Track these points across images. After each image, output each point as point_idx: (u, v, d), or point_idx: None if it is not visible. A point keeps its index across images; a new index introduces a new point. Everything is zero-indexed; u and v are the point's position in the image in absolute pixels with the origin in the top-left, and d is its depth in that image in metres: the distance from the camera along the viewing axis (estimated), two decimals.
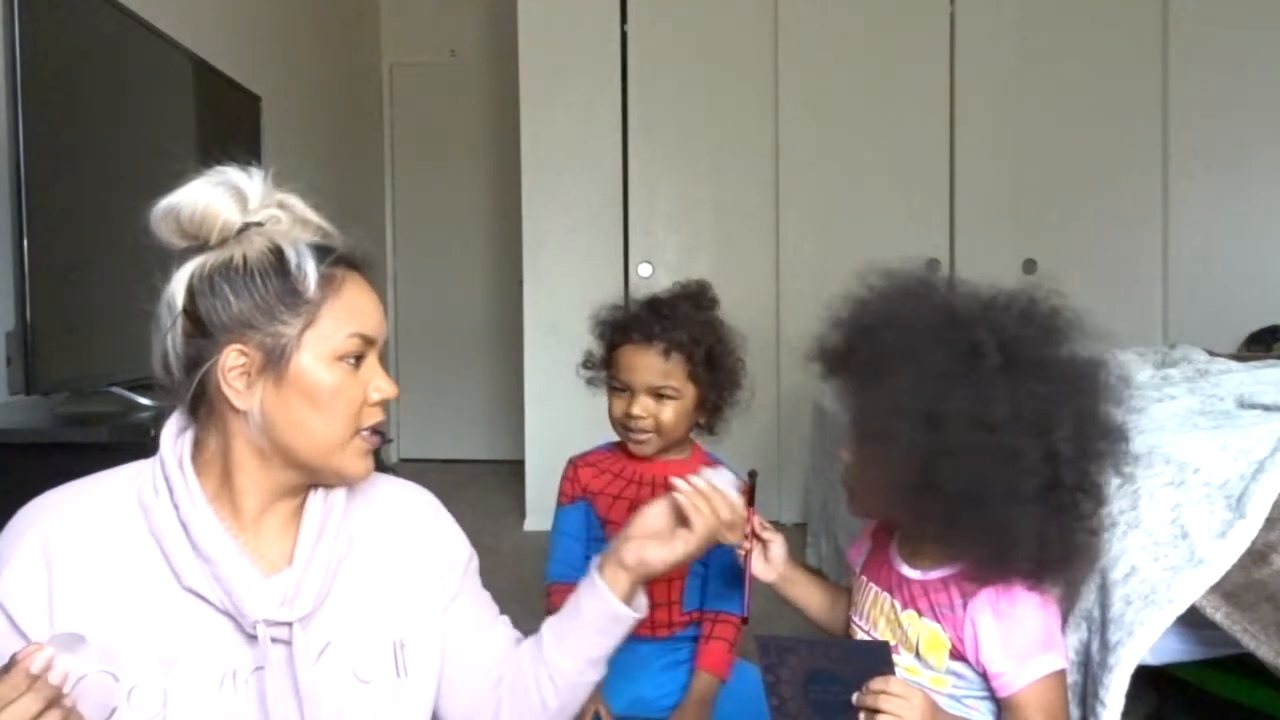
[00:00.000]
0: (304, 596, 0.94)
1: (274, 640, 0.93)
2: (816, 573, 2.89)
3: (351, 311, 0.96)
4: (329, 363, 0.94)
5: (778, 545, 1.32)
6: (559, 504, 1.62)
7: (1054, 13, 3.78)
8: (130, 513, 0.94)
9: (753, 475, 1.34)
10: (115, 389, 1.88)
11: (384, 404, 0.99)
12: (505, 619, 1.16)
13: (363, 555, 1.02)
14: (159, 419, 1.01)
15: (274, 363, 0.92)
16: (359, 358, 0.96)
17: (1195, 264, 3.80)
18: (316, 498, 1.00)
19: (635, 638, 1.57)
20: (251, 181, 0.97)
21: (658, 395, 1.51)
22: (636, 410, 1.50)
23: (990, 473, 1.01)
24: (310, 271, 0.93)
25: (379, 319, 0.99)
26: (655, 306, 1.52)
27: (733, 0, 3.82)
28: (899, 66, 3.79)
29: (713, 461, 1.62)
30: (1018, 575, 1.06)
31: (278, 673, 0.93)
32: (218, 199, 0.95)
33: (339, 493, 1.01)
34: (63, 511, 0.94)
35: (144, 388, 1.92)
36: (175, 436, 0.99)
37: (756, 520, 1.30)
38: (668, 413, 1.51)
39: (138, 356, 2.07)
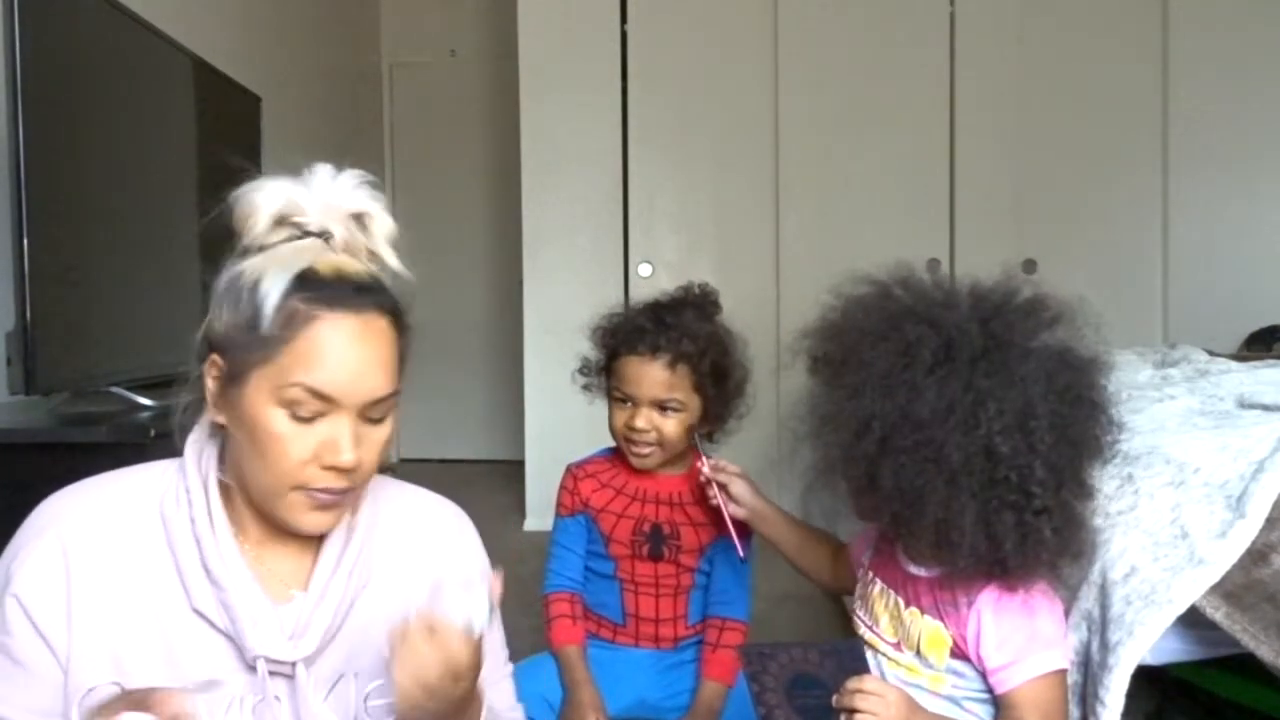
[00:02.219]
0: (311, 634, 0.91)
1: (274, 675, 0.90)
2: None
3: (309, 359, 0.85)
4: (272, 406, 0.85)
5: (738, 483, 1.38)
6: (558, 514, 1.60)
7: (1054, 13, 3.78)
8: (152, 521, 0.91)
9: (690, 431, 1.43)
10: (115, 389, 1.88)
11: (340, 471, 0.87)
12: (507, 678, 1.08)
13: (383, 583, 0.97)
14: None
15: (231, 387, 0.88)
16: (319, 414, 0.86)
17: (1195, 264, 3.80)
18: (340, 524, 0.95)
19: (638, 647, 1.56)
20: (324, 188, 0.89)
21: (661, 408, 1.46)
22: (640, 423, 1.46)
23: (922, 471, 1.01)
24: (269, 301, 0.84)
25: (351, 378, 0.86)
26: (659, 315, 1.47)
27: (733, 1, 3.82)
28: (899, 66, 3.79)
29: (706, 459, 1.61)
30: (979, 574, 1.05)
31: (280, 708, 0.90)
32: (263, 202, 0.89)
33: (363, 518, 0.96)
34: (84, 515, 0.91)
35: (144, 388, 1.92)
36: (203, 443, 0.94)
37: (708, 463, 1.37)
38: (671, 425, 1.47)
39: (138, 356, 2.08)
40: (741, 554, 1.48)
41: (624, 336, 1.48)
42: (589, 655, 1.55)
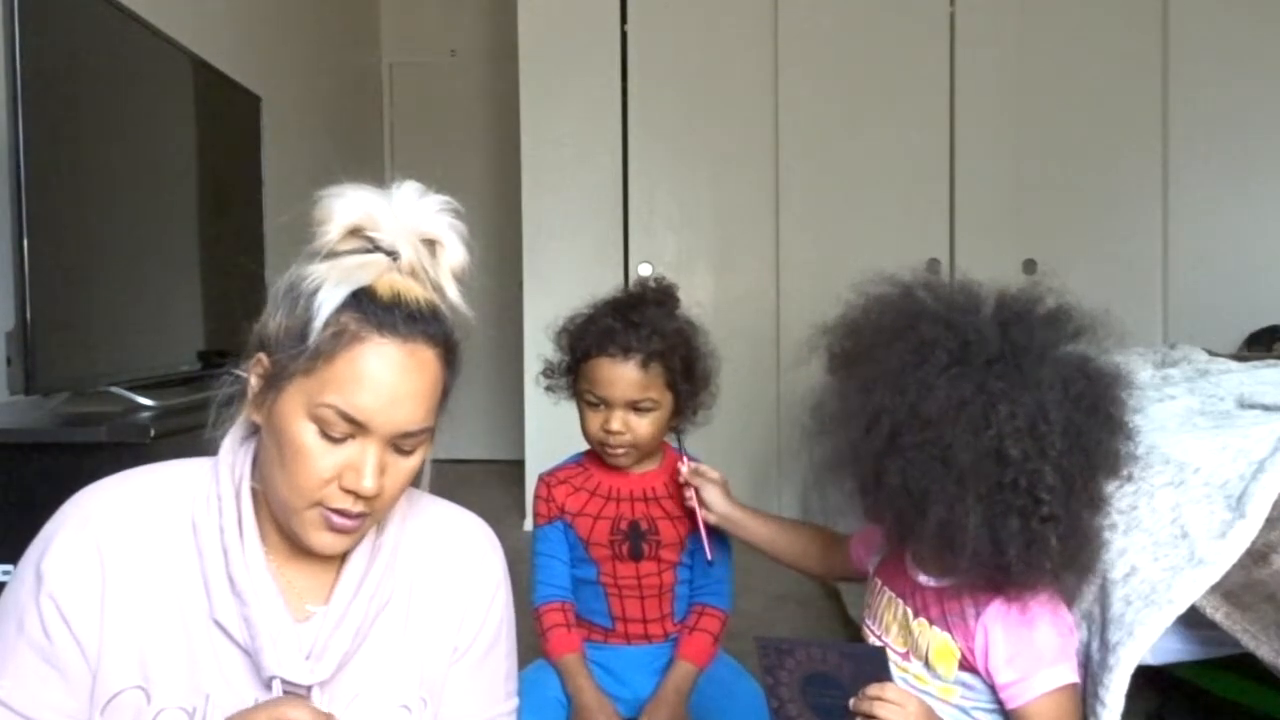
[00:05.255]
0: (329, 657, 0.89)
1: (289, 695, 0.88)
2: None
3: (346, 381, 0.83)
4: (304, 419, 0.84)
5: (710, 490, 1.43)
6: (536, 523, 1.59)
7: (1054, 13, 3.78)
8: (182, 523, 0.90)
9: (678, 433, 1.48)
10: (115, 389, 1.88)
11: (358, 496, 0.86)
12: (507, 716, 1.05)
13: (403, 601, 0.96)
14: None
15: (270, 390, 0.87)
16: (348, 435, 0.85)
17: (1195, 264, 3.80)
18: (366, 539, 0.94)
19: (630, 645, 1.56)
20: (404, 207, 0.88)
21: (635, 408, 1.45)
22: (616, 425, 1.45)
23: (929, 469, 0.99)
24: (321, 314, 0.83)
25: (384, 407, 0.84)
26: (625, 314, 1.45)
27: (733, 0, 3.82)
28: (899, 66, 3.79)
29: (687, 460, 1.60)
30: (982, 579, 1.03)
31: None
32: (340, 209, 0.87)
33: (388, 538, 0.95)
34: (118, 512, 0.89)
35: (144, 388, 1.92)
36: (239, 445, 0.92)
37: (688, 465, 1.43)
38: (646, 425, 1.46)
39: (138, 356, 2.08)
40: (710, 556, 1.49)
41: (593, 339, 1.45)
42: (592, 665, 1.55)
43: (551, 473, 1.60)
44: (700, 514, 1.45)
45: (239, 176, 2.61)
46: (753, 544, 1.46)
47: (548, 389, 1.55)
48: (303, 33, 3.95)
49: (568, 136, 3.83)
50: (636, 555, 1.52)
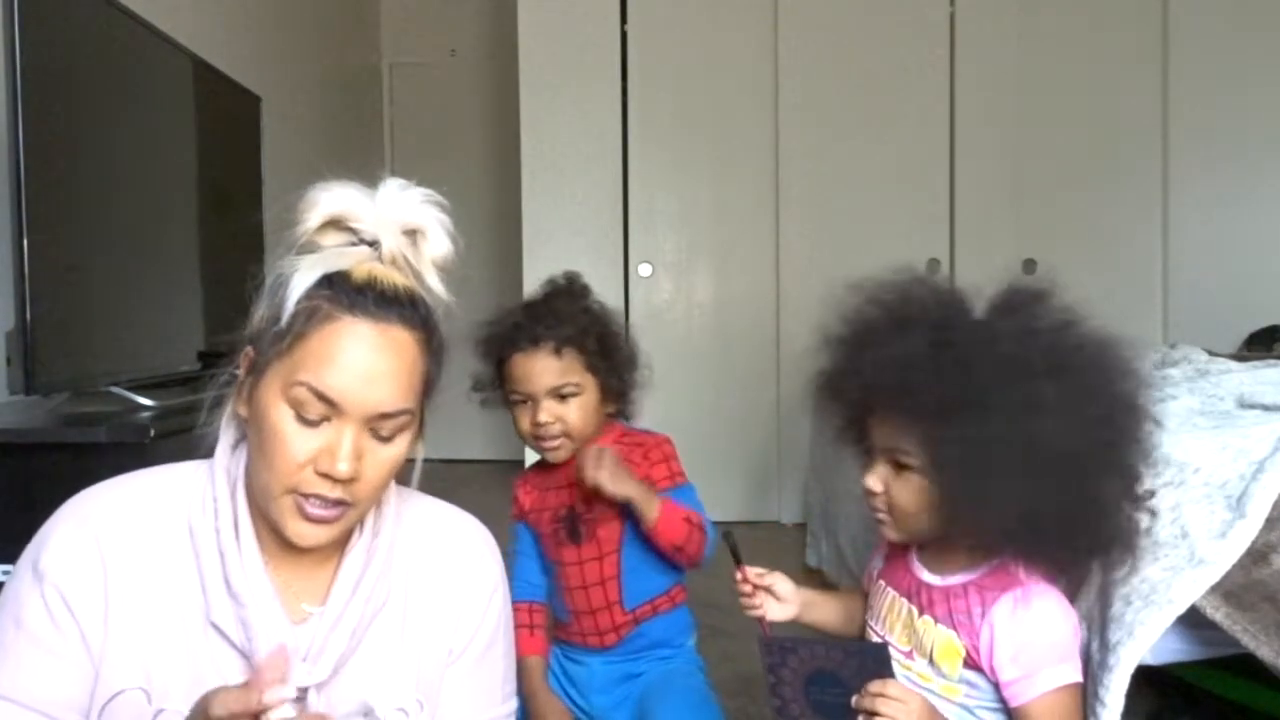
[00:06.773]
0: (325, 659, 0.89)
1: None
2: (817, 573, 2.90)
3: (319, 360, 0.84)
4: (281, 403, 0.85)
5: (781, 582, 1.29)
6: (512, 520, 1.61)
7: (1054, 13, 3.78)
8: (179, 526, 0.90)
9: (728, 536, 1.31)
10: (115, 389, 1.88)
11: (334, 480, 0.85)
12: (507, 713, 1.06)
13: (400, 602, 0.96)
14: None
15: (252, 379, 0.88)
16: (324, 417, 0.85)
17: (1195, 264, 3.80)
18: (362, 539, 0.94)
19: (586, 650, 1.56)
20: (386, 200, 0.88)
21: (560, 397, 1.46)
22: (543, 417, 1.46)
23: (1087, 493, 1.04)
24: (293, 295, 0.85)
25: (357, 386, 0.84)
26: (532, 310, 1.49)
27: (733, 0, 3.82)
28: (899, 67, 3.79)
29: (630, 432, 1.56)
30: (1073, 565, 1.12)
31: None
32: (321, 201, 0.88)
33: (384, 539, 0.95)
34: (115, 513, 0.89)
35: (144, 388, 1.92)
36: (232, 449, 0.93)
37: (751, 574, 1.28)
38: (574, 412, 1.47)
39: (138, 356, 2.07)
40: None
41: (505, 338, 1.48)
42: (559, 666, 1.58)
43: (526, 472, 1.64)
44: (771, 615, 1.28)
45: (239, 176, 2.61)
46: (824, 623, 1.34)
47: (482, 403, 1.55)
48: (303, 33, 3.95)
49: (568, 136, 3.83)
50: (574, 538, 1.53)
